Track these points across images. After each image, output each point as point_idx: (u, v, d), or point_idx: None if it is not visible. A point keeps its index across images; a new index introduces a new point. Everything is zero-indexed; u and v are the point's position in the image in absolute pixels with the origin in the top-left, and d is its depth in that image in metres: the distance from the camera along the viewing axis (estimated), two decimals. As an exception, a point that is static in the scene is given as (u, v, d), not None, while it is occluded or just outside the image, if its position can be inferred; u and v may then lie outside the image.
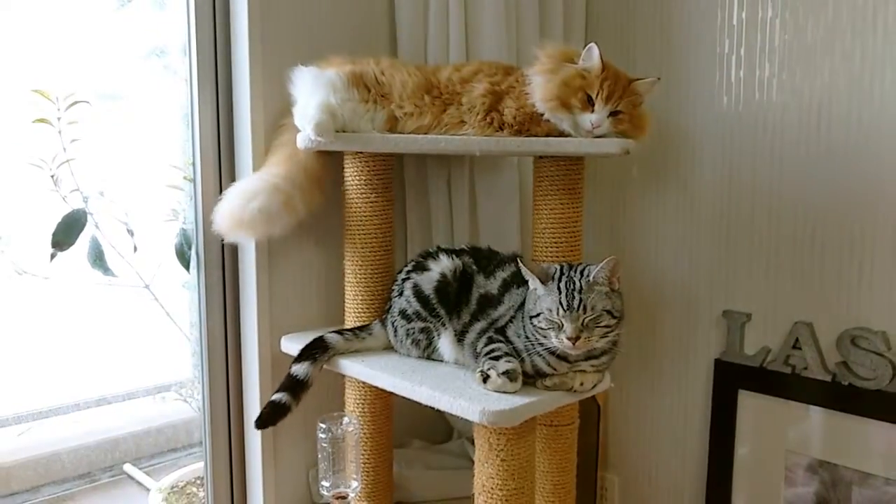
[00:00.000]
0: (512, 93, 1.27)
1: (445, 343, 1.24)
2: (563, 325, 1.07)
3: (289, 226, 1.32)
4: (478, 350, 1.18)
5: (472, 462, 1.18)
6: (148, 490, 1.79)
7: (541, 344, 1.10)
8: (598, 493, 1.72)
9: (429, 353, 1.27)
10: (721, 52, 1.52)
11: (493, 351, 1.14)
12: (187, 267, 1.55)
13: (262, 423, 1.26)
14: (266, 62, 1.39)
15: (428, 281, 1.24)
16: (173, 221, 1.59)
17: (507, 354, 1.13)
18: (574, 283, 1.09)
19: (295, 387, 1.25)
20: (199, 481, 1.78)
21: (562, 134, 1.26)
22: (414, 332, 1.26)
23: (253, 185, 1.29)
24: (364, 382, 1.32)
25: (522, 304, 1.16)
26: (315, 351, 1.28)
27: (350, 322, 1.39)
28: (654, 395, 1.70)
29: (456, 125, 1.29)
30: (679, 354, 1.64)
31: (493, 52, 1.52)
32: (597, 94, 1.21)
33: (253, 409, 1.46)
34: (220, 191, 1.44)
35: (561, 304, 1.07)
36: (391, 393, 1.24)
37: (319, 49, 1.41)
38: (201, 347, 1.47)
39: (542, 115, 1.25)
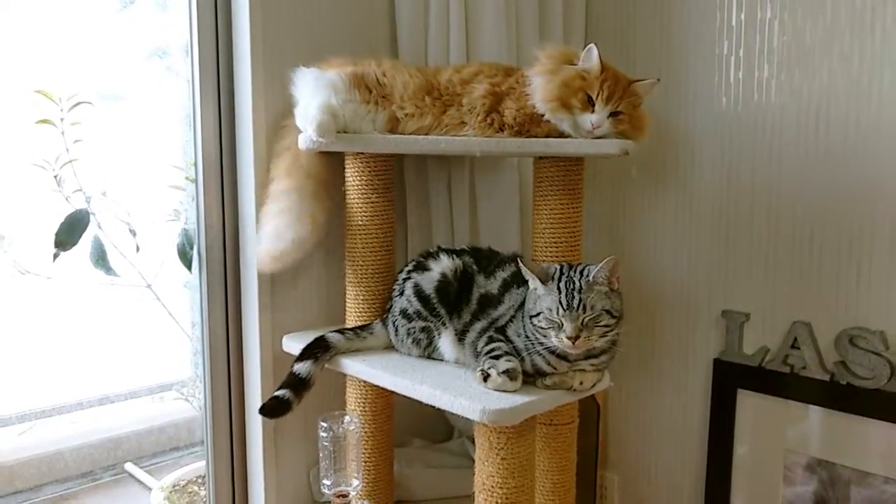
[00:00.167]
0: (512, 94, 1.28)
1: (446, 342, 1.25)
2: (562, 324, 1.08)
3: (318, 237, 1.37)
4: (478, 349, 1.18)
5: (473, 461, 1.19)
6: (149, 489, 1.80)
7: (541, 343, 1.11)
8: (597, 491, 1.72)
9: (429, 352, 1.28)
10: (720, 54, 1.52)
11: (493, 350, 1.15)
12: (189, 267, 1.56)
13: (267, 411, 1.26)
14: (267, 63, 1.39)
15: (429, 281, 1.25)
16: (175, 221, 1.60)
17: (507, 353, 1.14)
18: (574, 283, 1.09)
19: (297, 384, 1.25)
20: (200, 480, 1.79)
21: (562, 135, 1.26)
22: (415, 332, 1.27)
23: (277, 221, 1.33)
24: (365, 381, 1.33)
25: (522, 304, 1.17)
26: (317, 350, 1.29)
27: (351, 321, 1.40)
28: (653, 395, 1.71)
29: (456, 126, 1.29)
30: (678, 354, 1.65)
31: (493, 53, 1.52)
32: (597, 95, 1.22)
33: (254, 408, 1.47)
34: (223, 191, 1.45)
35: (561, 303, 1.08)
36: (392, 392, 1.25)
37: (320, 50, 1.41)
38: (203, 347, 1.48)
39: (542, 115, 1.25)
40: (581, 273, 1.11)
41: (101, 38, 1.52)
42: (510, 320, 1.18)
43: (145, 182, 1.59)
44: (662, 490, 1.71)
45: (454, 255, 1.28)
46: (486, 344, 1.17)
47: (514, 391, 1.10)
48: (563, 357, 1.13)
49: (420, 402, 1.16)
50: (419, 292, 1.25)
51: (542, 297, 1.11)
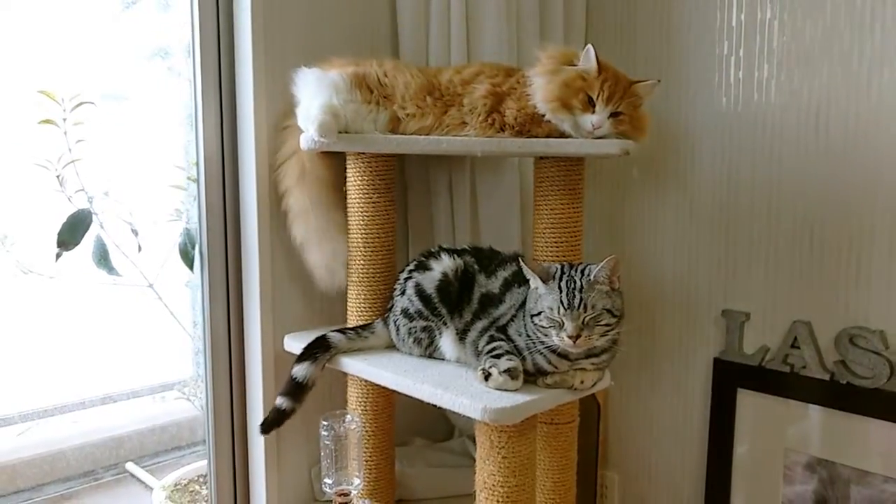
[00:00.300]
0: (513, 94, 1.28)
1: (447, 341, 1.25)
2: (563, 323, 1.08)
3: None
4: (479, 348, 1.19)
5: (473, 460, 1.19)
6: (150, 488, 1.80)
7: (542, 342, 1.12)
8: (598, 490, 1.73)
9: (430, 351, 1.28)
10: (720, 54, 1.53)
11: (494, 349, 1.15)
12: (191, 266, 1.56)
13: (266, 428, 1.29)
14: (269, 63, 1.40)
15: (430, 280, 1.25)
16: (177, 221, 1.60)
17: (508, 353, 1.14)
18: (575, 282, 1.10)
19: (296, 390, 1.27)
20: (201, 479, 1.79)
21: (562, 135, 1.27)
22: (416, 331, 1.27)
23: (314, 254, 1.39)
24: (366, 380, 1.33)
25: (523, 303, 1.17)
26: (317, 350, 1.29)
27: (352, 321, 1.40)
28: (653, 394, 1.71)
29: (457, 126, 1.30)
30: (679, 353, 1.65)
31: (493, 54, 1.52)
32: (597, 96, 1.22)
33: (256, 407, 1.47)
34: (224, 191, 1.45)
35: (562, 302, 1.08)
36: (393, 391, 1.25)
37: (322, 50, 1.42)
38: (205, 346, 1.48)
39: (542, 116, 1.25)
40: (582, 272, 1.12)
41: (103, 39, 1.53)
42: (511, 319, 1.19)
43: (147, 182, 1.60)
44: (663, 489, 1.72)
45: (455, 255, 1.28)
46: (488, 343, 1.17)
47: (516, 390, 1.11)
48: (563, 356, 1.13)
49: (421, 402, 1.16)
50: (420, 292, 1.25)
51: (544, 297, 1.11)
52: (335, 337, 1.31)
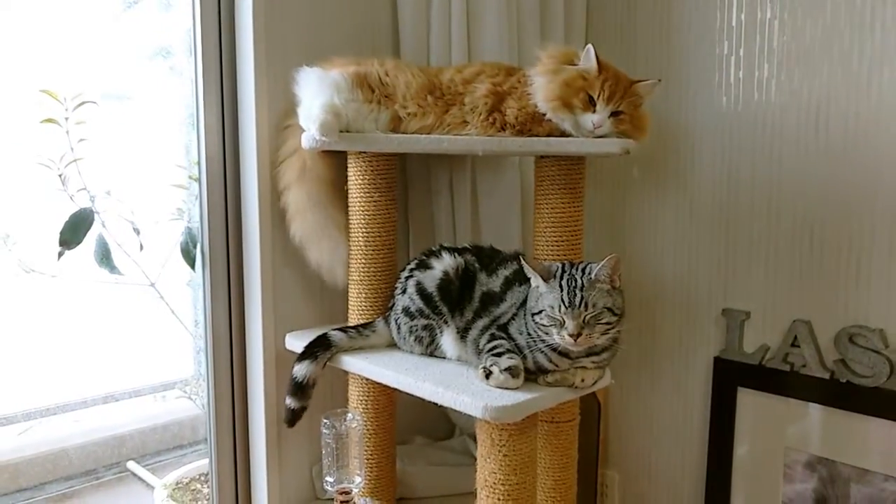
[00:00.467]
0: (514, 93, 1.29)
1: (448, 340, 1.26)
2: (564, 321, 1.08)
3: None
4: (480, 347, 1.19)
5: (474, 458, 1.20)
6: (151, 487, 1.80)
7: (542, 341, 1.12)
8: (598, 489, 1.73)
9: (431, 349, 1.28)
10: (720, 54, 1.53)
11: (495, 348, 1.16)
12: (192, 265, 1.57)
13: (290, 420, 1.33)
14: (271, 63, 1.40)
15: (431, 279, 1.26)
16: (179, 220, 1.61)
17: (509, 351, 1.15)
18: (576, 281, 1.10)
19: (297, 390, 1.29)
20: (202, 478, 1.79)
21: (563, 134, 1.27)
22: (417, 330, 1.27)
23: (314, 251, 1.39)
24: (367, 379, 1.33)
25: (524, 302, 1.18)
26: (318, 349, 1.30)
27: (354, 319, 1.40)
28: (654, 393, 1.72)
29: (458, 125, 1.30)
30: (679, 352, 1.66)
31: (494, 53, 1.53)
32: (598, 95, 1.22)
33: (258, 405, 1.48)
34: (226, 190, 1.46)
35: (563, 301, 1.09)
36: (394, 389, 1.26)
37: (323, 50, 1.42)
38: (206, 345, 1.49)
39: (543, 115, 1.26)
40: (583, 271, 1.12)
41: (105, 38, 1.53)
42: (512, 318, 1.19)
43: (149, 181, 1.60)
44: (663, 487, 1.72)
45: (456, 254, 1.29)
46: (489, 341, 1.18)
47: (516, 388, 1.11)
48: (564, 354, 1.13)
49: (421, 400, 1.16)
50: (422, 290, 1.26)
51: (545, 295, 1.12)
52: (336, 335, 1.31)
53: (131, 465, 1.84)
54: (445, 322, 1.25)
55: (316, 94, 1.28)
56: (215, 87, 1.43)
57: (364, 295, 1.39)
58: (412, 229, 1.64)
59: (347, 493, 1.28)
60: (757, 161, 1.49)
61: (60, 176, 1.44)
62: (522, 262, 1.17)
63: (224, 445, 1.51)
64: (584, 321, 1.08)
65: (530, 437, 1.14)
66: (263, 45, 1.39)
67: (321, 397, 1.35)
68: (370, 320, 1.37)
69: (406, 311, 1.28)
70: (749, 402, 1.53)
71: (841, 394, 1.39)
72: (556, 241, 1.32)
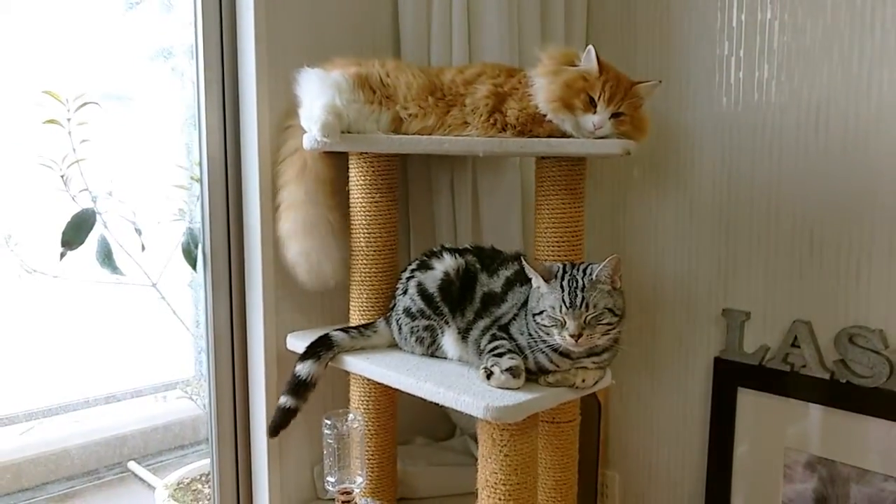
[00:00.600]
0: (515, 94, 1.29)
1: (449, 340, 1.26)
2: (565, 322, 1.09)
3: (342, 238, 1.40)
4: (481, 347, 1.20)
5: (475, 458, 1.20)
6: (151, 487, 1.80)
7: (543, 341, 1.12)
8: (598, 489, 1.73)
9: (433, 350, 1.29)
10: (721, 54, 1.53)
11: (496, 348, 1.16)
12: (194, 265, 1.57)
13: (273, 430, 1.30)
14: (272, 64, 1.40)
15: (432, 279, 1.26)
16: (180, 221, 1.61)
17: (510, 351, 1.15)
18: (577, 282, 1.11)
19: (299, 388, 1.28)
20: (203, 478, 1.79)
21: (564, 135, 1.27)
22: (418, 330, 1.28)
23: (296, 245, 1.37)
24: (368, 379, 1.34)
25: (525, 303, 1.18)
26: (320, 349, 1.30)
27: (355, 320, 1.41)
28: (654, 393, 1.72)
29: (459, 126, 1.30)
30: (679, 352, 1.66)
31: (495, 54, 1.53)
32: (599, 96, 1.23)
33: (259, 406, 1.48)
34: (227, 190, 1.46)
35: (564, 301, 1.09)
36: (395, 390, 1.26)
37: (324, 51, 1.42)
38: (208, 345, 1.49)
39: (544, 116, 1.26)
40: (584, 272, 1.12)
41: (107, 40, 1.53)
42: (513, 318, 1.19)
43: (151, 182, 1.60)
44: (663, 487, 1.72)
45: (457, 254, 1.29)
46: (490, 342, 1.18)
47: (517, 388, 1.11)
48: (565, 355, 1.14)
49: (422, 401, 1.17)
50: (423, 291, 1.26)
51: (546, 296, 1.12)
52: (338, 336, 1.32)
53: (132, 465, 1.84)
54: (446, 322, 1.25)
55: (317, 95, 1.29)
56: (217, 87, 1.43)
57: (365, 295, 1.39)
58: (413, 230, 1.64)
59: (349, 493, 1.29)
60: (757, 161, 1.50)
61: (62, 177, 1.45)
62: (523, 262, 1.17)
63: (225, 446, 1.52)
64: (584, 322, 1.09)
65: (531, 437, 1.15)
66: (265, 45, 1.39)
67: (322, 398, 1.36)
68: (371, 321, 1.37)
69: (407, 311, 1.28)
70: (749, 403, 1.54)
71: (841, 394, 1.40)
72: (557, 242, 1.32)
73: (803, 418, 1.46)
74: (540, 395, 1.12)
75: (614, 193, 1.75)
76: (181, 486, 1.78)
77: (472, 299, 1.25)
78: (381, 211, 1.37)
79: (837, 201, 1.40)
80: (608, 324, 1.11)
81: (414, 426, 1.70)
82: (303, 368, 1.29)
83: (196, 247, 1.54)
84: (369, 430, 1.39)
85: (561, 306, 1.09)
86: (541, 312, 1.12)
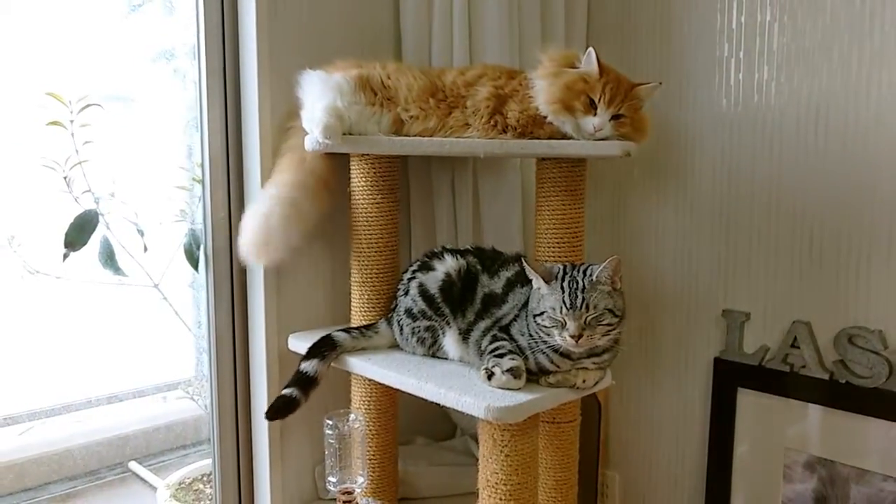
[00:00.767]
0: (515, 96, 1.29)
1: (450, 341, 1.26)
2: (566, 323, 1.09)
3: (305, 232, 1.35)
4: (482, 348, 1.20)
5: (475, 458, 1.20)
6: (153, 487, 1.81)
7: (544, 342, 1.13)
8: (599, 489, 1.74)
9: (434, 350, 1.29)
10: (720, 56, 1.54)
11: (497, 349, 1.17)
12: (196, 266, 1.57)
13: (272, 414, 1.28)
14: (273, 66, 1.41)
15: (433, 280, 1.27)
16: (182, 222, 1.62)
17: (511, 352, 1.16)
18: (577, 283, 1.11)
19: (304, 383, 1.27)
20: (205, 478, 1.80)
21: (564, 136, 1.28)
22: (419, 331, 1.28)
23: (264, 205, 1.32)
24: (370, 380, 1.34)
25: (526, 303, 1.19)
26: (323, 349, 1.31)
27: (356, 321, 1.41)
28: (654, 393, 1.72)
29: (460, 128, 1.31)
30: (679, 353, 1.67)
31: (495, 56, 1.53)
32: (599, 98, 1.23)
33: (260, 406, 1.48)
34: (229, 191, 1.46)
35: (564, 302, 1.10)
36: (396, 390, 1.26)
37: (326, 53, 1.43)
38: (209, 346, 1.49)
39: (545, 117, 1.27)
40: (584, 273, 1.13)
41: (109, 42, 1.54)
42: (514, 319, 1.20)
43: (153, 183, 1.61)
44: (663, 487, 1.73)
45: (458, 255, 1.30)
46: (491, 343, 1.19)
47: (518, 389, 1.12)
48: (566, 355, 1.14)
49: (423, 401, 1.17)
50: (424, 292, 1.27)
51: (546, 297, 1.13)
52: (340, 336, 1.32)
53: (133, 465, 1.85)
54: (447, 323, 1.26)
55: (319, 97, 1.29)
56: (218, 89, 1.43)
57: (366, 296, 1.39)
58: (414, 231, 1.65)
59: (350, 493, 1.29)
60: (757, 162, 1.50)
61: (65, 178, 1.45)
62: (524, 263, 1.18)
63: (227, 446, 1.52)
64: (585, 322, 1.09)
65: (532, 437, 1.15)
66: (266, 47, 1.40)
67: (324, 398, 1.36)
68: (373, 321, 1.38)
69: (408, 312, 1.28)
70: (749, 403, 1.54)
71: (840, 394, 1.40)
72: (558, 243, 1.33)
73: (803, 419, 1.47)
74: (540, 395, 1.12)
75: (614, 195, 1.76)
76: (183, 486, 1.79)
77: (472, 300, 1.25)
78: (382, 212, 1.37)
79: (837, 202, 1.40)
80: (608, 324, 1.11)
81: (415, 426, 1.70)
82: (308, 366, 1.29)
83: (198, 248, 1.55)
84: (370, 431, 1.40)
85: (561, 307, 1.10)
86: (541, 313, 1.12)
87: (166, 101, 1.64)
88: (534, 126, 1.28)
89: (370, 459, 1.41)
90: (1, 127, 1.43)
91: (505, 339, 1.18)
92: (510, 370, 1.12)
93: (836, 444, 1.43)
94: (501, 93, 1.30)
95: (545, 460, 1.36)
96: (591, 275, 1.12)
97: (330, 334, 1.32)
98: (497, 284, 1.25)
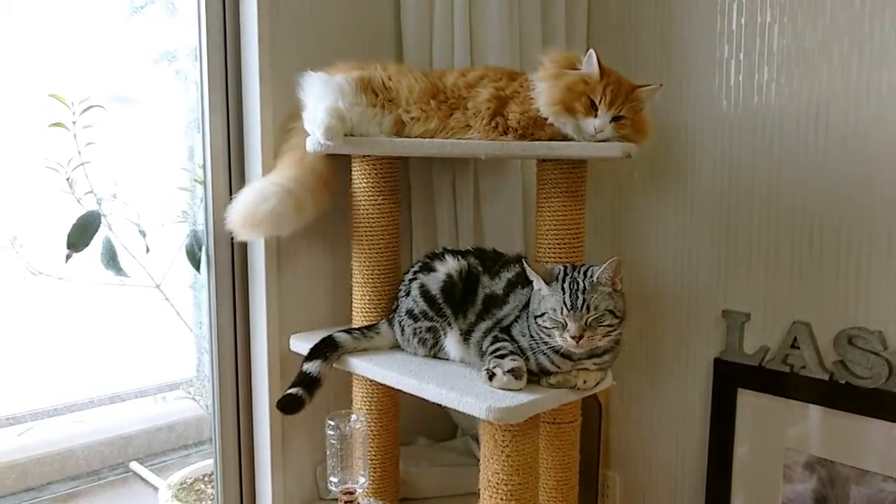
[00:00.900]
0: (516, 97, 1.30)
1: (451, 342, 1.27)
2: (566, 324, 1.10)
3: (297, 227, 1.36)
4: (483, 349, 1.20)
5: (476, 459, 1.21)
6: (154, 488, 1.81)
7: (545, 343, 1.13)
8: (599, 489, 1.74)
9: (435, 351, 1.30)
10: (720, 57, 1.54)
11: (498, 350, 1.17)
12: (198, 267, 1.58)
13: (282, 405, 1.25)
14: (275, 67, 1.41)
15: (434, 281, 1.27)
16: (184, 223, 1.62)
17: (512, 353, 1.16)
18: (577, 284, 1.11)
19: (308, 383, 1.27)
20: (206, 478, 1.80)
21: (565, 138, 1.28)
22: (421, 332, 1.29)
23: (266, 188, 1.32)
24: (371, 380, 1.35)
25: (527, 304, 1.19)
26: (325, 350, 1.31)
27: (358, 321, 1.41)
28: (654, 394, 1.73)
29: (461, 129, 1.31)
30: (679, 353, 1.67)
31: (496, 57, 1.54)
32: (600, 100, 1.23)
33: (262, 406, 1.49)
34: (231, 193, 1.46)
35: (565, 303, 1.10)
36: (398, 391, 1.27)
37: (327, 55, 1.43)
38: (211, 346, 1.50)
39: (545, 119, 1.27)
40: (585, 274, 1.13)
41: (112, 43, 1.54)
42: (515, 320, 1.20)
43: (155, 184, 1.61)
44: (663, 488, 1.73)
45: (459, 257, 1.30)
46: (492, 343, 1.19)
47: (519, 390, 1.12)
48: (566, 356, 1.15)
49: (424, 402, 1.18)
50: (425, 293, 1.27)
51: (547, 298, 1.13)
52: (341, 337, 1.33)
53: (134, 465, 1.85)
54: (449, 324, 1.26)
55: (320, 98, 1.30)
56: (220, 90, 1.44)
57: (368, 297, 1.40)
58: (415, 232, 1.65)
59: (351, 493, 1.29)
60: (757, 163, 1.51)
61: (68, 179, 1.46)
62: (525, 264, 1.18)
63: (229, 446, 1.53)
64: (585, 323, 1.10)
65: (533, 437, 1.16)
66: (268, 48, 1.40)
67: (325, 398, 1.36)
68: (374, 322, 1.38)
69: (410, 313, 1.29)
70: (749, 403, 1.54)
71: (840, 395, 1.40)
72: (558, 244, 1.33)
73: (803, 419, 1.47)
74: (541, 396, 1.12)
75: (615, 196, 1.76)
76: (184, 486, 1.79)
77: (474, 301, 1.25)
78: (383, 213, 1.38)
79: (837, 203, 1.41)
80: (609, 325, 1.12)
81: (416, 427, 1.71)
82: (311, 367, 1.29)
83: (199, 248, 1.55)
84: (372, 431, 1.40)
85: (562, 308, 1.10)
86: (542, 314, 1.13)
87: (168, 102, 1.65)
88: (535, 127, 1.28)
89: (371, 460, 1.41)
90: (4, 128, 1.44)
91: (506, 340, 1.18)
92: (511, 371, 1.12)
93: (835, 444, 1.43)
94: (502, 94, 1.30)
95: (546, 461, 1.36)
96: (591, 276, 1.13)
97: (331, 335, 1.33)
98: (498, 285, 1.25)
